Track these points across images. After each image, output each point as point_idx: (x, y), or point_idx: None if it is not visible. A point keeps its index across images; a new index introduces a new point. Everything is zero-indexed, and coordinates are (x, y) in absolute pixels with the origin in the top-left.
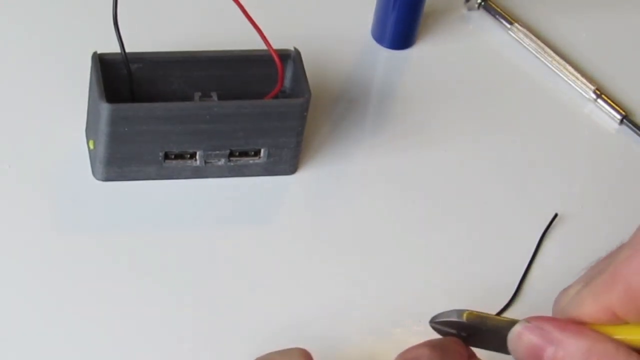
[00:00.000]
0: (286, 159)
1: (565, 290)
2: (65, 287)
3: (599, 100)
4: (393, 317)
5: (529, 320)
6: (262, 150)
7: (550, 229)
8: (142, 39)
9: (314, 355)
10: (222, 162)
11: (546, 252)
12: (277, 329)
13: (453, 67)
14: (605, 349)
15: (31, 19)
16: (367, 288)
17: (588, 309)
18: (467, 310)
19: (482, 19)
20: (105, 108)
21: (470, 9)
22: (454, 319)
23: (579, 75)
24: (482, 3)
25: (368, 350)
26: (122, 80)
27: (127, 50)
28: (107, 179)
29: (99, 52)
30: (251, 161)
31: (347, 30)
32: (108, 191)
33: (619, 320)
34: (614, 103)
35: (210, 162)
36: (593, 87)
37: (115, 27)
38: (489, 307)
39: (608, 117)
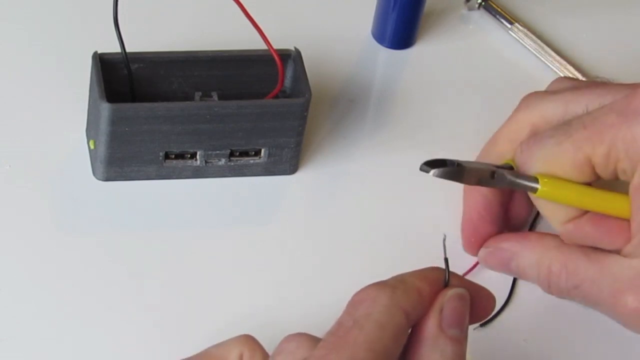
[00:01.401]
0: (286, 159)
1: (538, 139)
2: (65, 287)
3: None
4: None
5: (487, 245)
6: (263, 150)
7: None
8: (142, 39)
9: None
10: (222, 162)
11: None
12: (277, 327)
13: (453, 67)
14: (553, 257)
15: (31, 19)
16: None
17: (568, 159)
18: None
19: (482, 18)
20: (105, 108)
21: (470, 8)
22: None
23: (579, 76)
24: (483, 3)
25: None
26: (123, 80)
27: (127, 50)
28: (108, 178)
29: (99, 52)
30: (251, 161)
31: (347, 30)
32: (108, 191)
33: (592, 177)
34: None
35: (211, 162)
36: None
37: (115, 27)
38: None
39: None
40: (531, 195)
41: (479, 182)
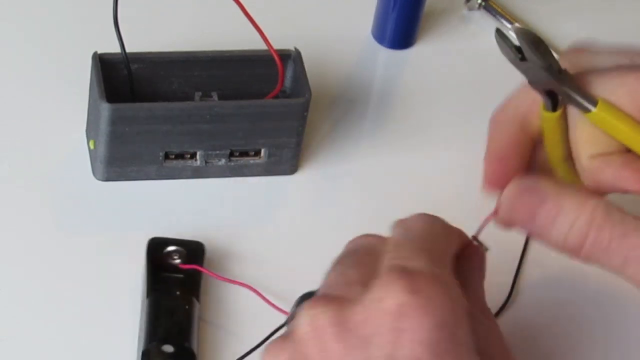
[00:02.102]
0: (286, 159)
1: (597, 71)
2: (65, 287)
3: None
4: None
5: (521, 180)
6: (262, 150)
7: None
8: (142, 39)
9: None
10: (222, 162)
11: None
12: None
13: (453, 67)
14: (598, 202)
15: (31, 19)
16: None
17: (627, 92)
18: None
19: (482, 19)
20: (105, 108)
21: (470, 9)
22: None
23: None
24: (483, 3)
25: None
26: (122, 80)
27: (127, 50)
28: (108, 178)
29: (99, 52)
30: (251, 161)
31: (347, 30)
32: (108, 191)
33: None
34: None
35: (211, 162)
36: None
37: (115, 27)
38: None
39: None
40: (574, 117)
41: (549, 67)
